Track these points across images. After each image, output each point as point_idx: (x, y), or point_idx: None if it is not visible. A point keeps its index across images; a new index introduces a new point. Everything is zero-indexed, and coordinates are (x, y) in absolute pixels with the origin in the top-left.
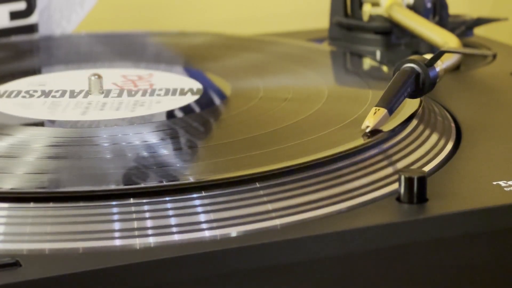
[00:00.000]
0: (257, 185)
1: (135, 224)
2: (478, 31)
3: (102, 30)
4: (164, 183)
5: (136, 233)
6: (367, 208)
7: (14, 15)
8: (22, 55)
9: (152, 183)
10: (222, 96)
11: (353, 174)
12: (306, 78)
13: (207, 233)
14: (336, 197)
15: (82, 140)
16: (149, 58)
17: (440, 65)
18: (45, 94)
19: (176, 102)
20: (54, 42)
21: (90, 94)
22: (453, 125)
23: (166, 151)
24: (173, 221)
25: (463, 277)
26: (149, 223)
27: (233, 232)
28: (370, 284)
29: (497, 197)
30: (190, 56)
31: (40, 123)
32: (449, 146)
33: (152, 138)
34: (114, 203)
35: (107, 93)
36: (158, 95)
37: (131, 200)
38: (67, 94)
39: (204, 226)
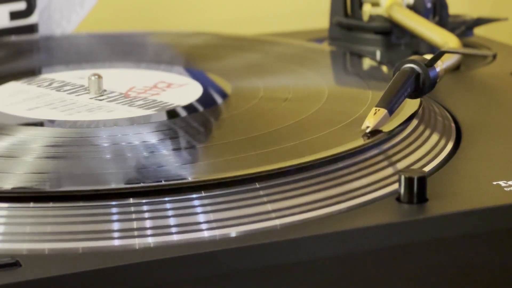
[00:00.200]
0: (257, 185)
1: (135, 224)
2: (478, 31)
3: (102, 30)
4: (164, 183)
5: (136, 233)
6: (367, 208)
7: (14, 15)
8: (22, 55)
9: (151, 183)
10: (222, 96)
11: (353, 174)
12: (306, 78)
13: (206, 233)
14: (336, 197)
15: (82, 140)
16: (149, 58)
17: (440, 65)
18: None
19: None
20: (54, 42)
21: (89, 94)
22: (453, 125)
23: (165, 151)
24: (172, 221)
25: (463, 277)
26: (148, 223)
27: (233, 232)
28: (370, 284)
29: (497, 197)
30: (190, 56)
31: (39, 123)
32: (449, 146)
33: (152, 138)
34: (113, 203)
35: (106, 93)
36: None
37: (131, 200)
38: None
39: (203, 226)
